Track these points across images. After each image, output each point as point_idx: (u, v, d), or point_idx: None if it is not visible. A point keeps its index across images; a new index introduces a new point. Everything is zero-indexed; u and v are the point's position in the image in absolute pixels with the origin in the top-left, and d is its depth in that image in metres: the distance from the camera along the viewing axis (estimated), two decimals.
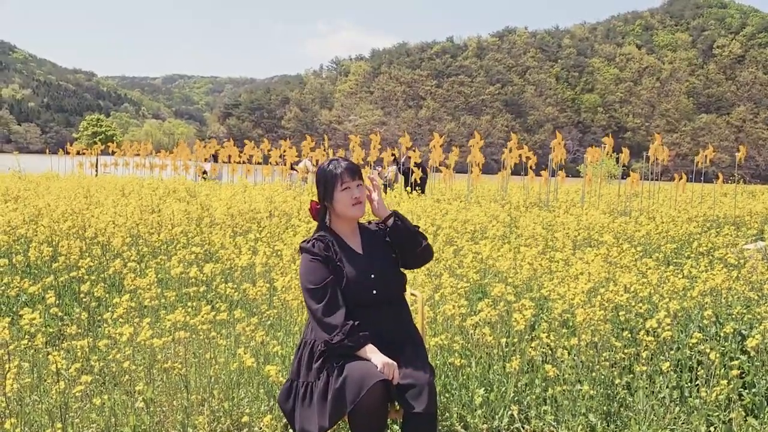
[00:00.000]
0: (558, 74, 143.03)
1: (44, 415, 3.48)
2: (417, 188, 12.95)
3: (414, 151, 15.08)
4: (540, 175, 14.83)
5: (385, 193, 12.04)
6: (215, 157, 20.37)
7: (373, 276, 2.97)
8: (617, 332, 4.20)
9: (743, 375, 3.85)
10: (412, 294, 3.55)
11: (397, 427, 3.27)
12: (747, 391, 3.81)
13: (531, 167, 15.48)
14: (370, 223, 3.18)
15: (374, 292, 2.95)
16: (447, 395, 3.93)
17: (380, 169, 15.56)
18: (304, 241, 3.03)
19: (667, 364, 3.76)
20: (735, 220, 10.23)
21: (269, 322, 4.50)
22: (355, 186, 2.99)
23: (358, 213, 3.02)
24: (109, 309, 4.47)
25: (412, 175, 14.22)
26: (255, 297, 4.57)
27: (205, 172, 20.13)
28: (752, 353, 3.78)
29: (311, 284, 2.89)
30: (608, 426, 3.69)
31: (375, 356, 2.78)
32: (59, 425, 3.25)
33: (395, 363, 2.77)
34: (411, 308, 3.56)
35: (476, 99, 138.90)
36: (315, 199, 3.14)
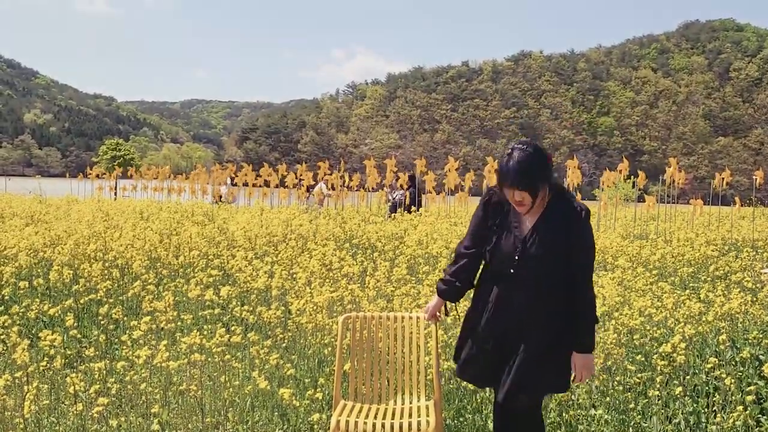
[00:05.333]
0: (573, 98, 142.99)
1: None
2: (413, 206, 13.05)
3: (403, 173, 15.11)
4: None
5: (395, 213, 12.09)
6: (232, 180, 20.50)
7: (517, 257, 2.91)
8: (631, 356, 4.18)
9: (761, 401, 3.81)
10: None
11: None
12: (765, 417, 3.76)
13: None
14: (576, 205, 2.94)
15: (511, 270, 2.92)
16: (461, 419, 3.92)
17: (394, 191, 15.59)
18: (491, 190, 3.06)
19: (680, 388, 3.74)
20: (753, 244, 10.13)
21: (284, 345, 4.53)
22: (514, 193, 2.86)
23: (519, 210, 2.93)
24: (127, 331, 4.53)
25: (417, 195, 14.28)
26: (270, 320, 4.61)
27: (221, 197, 20.27)
28: None
29: (471, 227, 3.12)
30: None
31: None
32: None
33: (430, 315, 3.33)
34: (425, 331, 3.58)
35: (492, 123, 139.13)
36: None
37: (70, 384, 3.60)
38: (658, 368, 3.81)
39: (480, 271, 3.13)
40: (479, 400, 3.94)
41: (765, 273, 6.73)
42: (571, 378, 2.96)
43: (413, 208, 13.03)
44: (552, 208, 2.92)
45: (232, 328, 4.60)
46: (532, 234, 2.92)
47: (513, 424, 3.11)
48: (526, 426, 3.09)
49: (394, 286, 5.21)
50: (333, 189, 16.48)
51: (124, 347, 4.25)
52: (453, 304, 3.33)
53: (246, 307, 4.92)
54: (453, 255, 3.28)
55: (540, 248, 2.88)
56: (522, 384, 2.91)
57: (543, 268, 2.89)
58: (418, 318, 3.61)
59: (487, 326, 3.00)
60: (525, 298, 2.92)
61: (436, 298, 3.32)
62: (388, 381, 3.58)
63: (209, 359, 4.01)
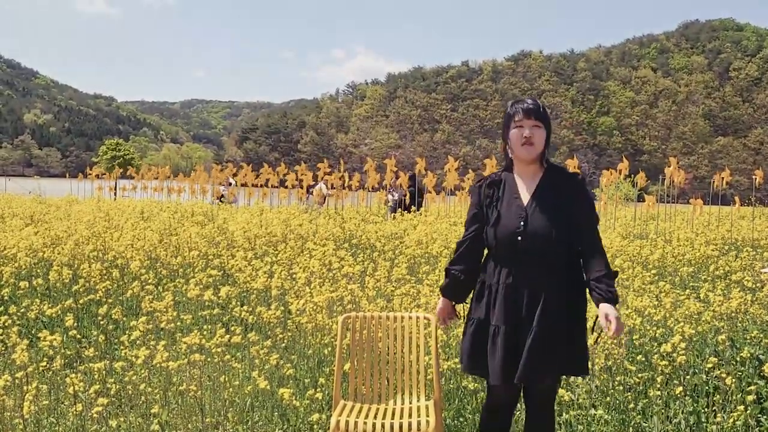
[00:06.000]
0: (573, 97, 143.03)
1: None
2: (413, 206, 13.05)
3: (403, 173, 15.10)
4: None
5: (395, 213, 12.08)
6: (233, 177, 20.46)
7: (522, 223, 2.89)
8: (631, 356, 4.18)
9: (761, 400, 3.81)
10: (426, 318, 3.58)
11: None
12: (765, 417, 3.76)
13: None
14: (574, 174, 3.08)
15: (519, 239, 2.88)
16: (461, 419, 3.92)
17: (394, 191, 15.59)
18: (483, 177, 3.15)
19: (680, 388, 3.73)
20: (753, 243, 10.13)
21: (284, 345, 4.53)
22: (529, 126, 2.92)
23: (525, 154, 2.94)
24: (126, 332, 4.52)
25: (418, 195, 14.29)
26: (269, 320, 4.60)
27: (222, 196, 20.25)
28: None
29: (467, 218, 3.14)
30: None
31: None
32: None
33: (441, 314, 3.20)
34: (425, 331, 3.58)
35: (492, 122, 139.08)
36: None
37: (69, 384, 3.60)
38: (659, 368, 3.81)
39: (482, 263, 3.07)
40: (479, 400, 3.93)
41: (765, 272, 6.73)
42: (605, 332, 2.77)
43: (413, 208, 13.04)
44: (548, 177, 2.99)
45: (232, 328, 4.60)
46: (533, 200, 2.93)
47: (502, 418, 3.09)
48: (538, 421, 3.02)
49: (393, 286, 5.21)
50: (333, 189, 16.48)
51: (124, 347, 4.25)
52: (462, 305, 3.24)
53: (246, 307, 4.92)
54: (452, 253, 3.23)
55: (544, 213, 2.88)
56: (536, 364, 2.79)
57: (548, 237, 2.84)
58: (418, 318, 3.61)
59: (496, 314, 2.90)
60: (533, 276, 2.85)
61: (441, 301, 3.22)
62: (388, 381, 3.58)
63: (209, 359, 4.01)
